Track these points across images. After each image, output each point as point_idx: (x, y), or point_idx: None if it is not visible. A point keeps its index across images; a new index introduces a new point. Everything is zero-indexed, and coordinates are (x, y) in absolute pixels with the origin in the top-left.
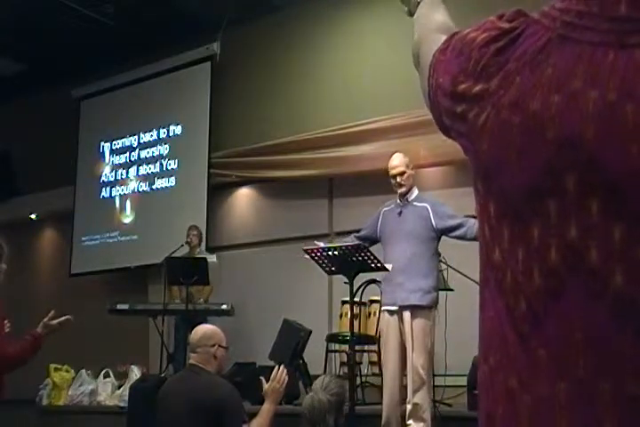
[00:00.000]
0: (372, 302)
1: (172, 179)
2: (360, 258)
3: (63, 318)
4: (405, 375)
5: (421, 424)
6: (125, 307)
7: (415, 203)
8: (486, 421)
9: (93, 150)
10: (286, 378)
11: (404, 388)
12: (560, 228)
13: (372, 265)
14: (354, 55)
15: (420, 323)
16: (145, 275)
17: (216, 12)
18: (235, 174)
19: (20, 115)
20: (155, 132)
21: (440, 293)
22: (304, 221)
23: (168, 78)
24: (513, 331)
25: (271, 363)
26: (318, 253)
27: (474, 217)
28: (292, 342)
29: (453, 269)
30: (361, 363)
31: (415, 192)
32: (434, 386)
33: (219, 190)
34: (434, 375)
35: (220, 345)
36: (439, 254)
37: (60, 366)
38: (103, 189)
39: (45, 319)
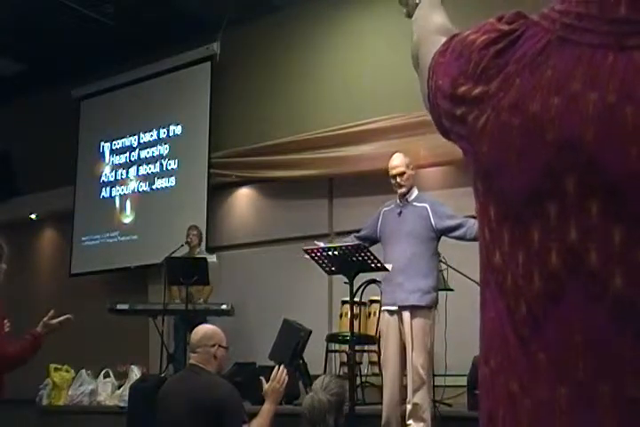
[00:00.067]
0: (372, 302)
1: (172, 179)
2: (360, 258)
3: (63, 318)
4: (405, 375)
5: (421, 424)
6: (125, 307)
7: (415, 203)
8: (488, 423)
9: (93, 150)
10: (286, 378)
11: (403, 388)
12: (560, 230)
13: (372, 265)
14: (354, 55)
15: (420, 323)
16: (145, 275)
17: (216, 12)
18: (235, 174)
19: (20, 115)
20: (155, 132)
21: (440, 293)
22: (304, 221)
23: (168, 78)
24: (513, 334)
25: (271, 363)
26: (318, 253)
27: (474, 217)
28: (292, 342)
29: (453, 269)
30: (361, 363)
31: (415, 192)
32: (434, 386)
33: (219, 190)
34: (434, 375)
35: (220, 345)
36: (439, 254)
37: (60, 366)
38: (103, 189)
39: (45, 319)
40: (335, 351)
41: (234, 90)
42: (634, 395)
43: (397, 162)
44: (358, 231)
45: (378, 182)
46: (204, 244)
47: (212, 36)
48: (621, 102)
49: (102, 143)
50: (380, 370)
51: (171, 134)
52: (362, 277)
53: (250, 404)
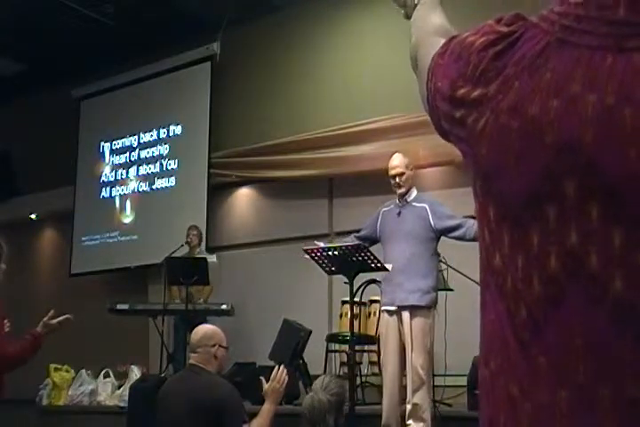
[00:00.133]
0: (372, 302)
1: (172, 179)
2: (360, 258)
3: (63, 318)
4: (405, 375)
5: (421, 424)
6: (125, 307)
7: (414, 203)
8: (488, 426)
9: (93, 150)
10: (286, 378)
11: (403, 388)
12: (559, 234)
13: (372, 265)
14: (354, 55)
15: (420, 323)
16: (145, 275)
17: (216, 12)
18: (235, 174)
19: (20, 115)
20: (155, 132)
21: (440, 293)
22: (304, 221)
23: (168, 78)
24: (513, 337)
25: (271, 363)
26: (318, 253)
27: (473, 218)
28: (292, 342)
29: (453, 269)
30: (361, 363)
31: (414, 193)
32: (434, 386)
33: (219, 190)
34: (434, 375)
35: (220, 345)
36: (438, 254)
37: (60, 366)
38: (103, 189)
39: (45, 319)
40: (335, 351)
41: (234, 90)
42: (634, 398)
43: (397, 162)
44: (358, 231)
45: (378, 182)
46: (204, 244)
47: (212, 36)
48: (620, 104)
49: (102, 143)
50: (380, 370)
51: (171, 134)
52: (362, 277)
53: (250, 404)
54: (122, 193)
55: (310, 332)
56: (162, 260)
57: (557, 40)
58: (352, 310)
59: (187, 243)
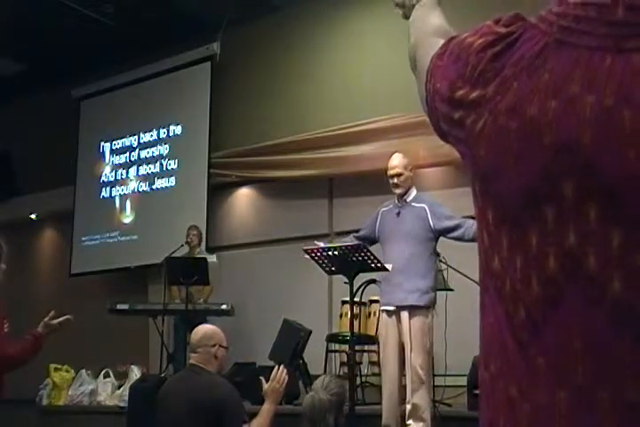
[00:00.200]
0: (372, 302)
1: (172, 179)
2: (360, 258)
3: (63, 318)
4: (405, 375)
5: (421, 424)
6: (125, 307)
7: (413, 203)
8: None
9: (93, 150)
10: (286, 378)
11: (403, 388)
12: (558, 234)
13: (372, 265)
14: (354, 55)
15: (418, 323)
16: (145, 275)
17: (216, 12)
18: (235, 174)
19: (20, 115)
20: (155, 132)
21: (440, 293)
22: (304, 221)
23: (168, 78)
24: (512, 338)
25: (271, 363)
26: (318, 253)
27: (472, 218)
28: (292, 342)
29: (453, 269)
30: (361, 363)
31: (413, 193)
32: (434, 386)
33: (219, 190)
34: (434, 375)
35: (220, 345)
36: (438, 255)
37: (60, 366)
38: (103, 189)
39: (46, 319)
40: (335, 351)
41: (234, 90)
42: (633, 399)
43: (395, 162)
44: (358, 231)
45: (378, 182)
46: (204, 244)
47: (212, 36)
48: (619, 105)
49: (102, 143)
50: (380, 370)
51: (171, 134)
52: (362, 277)
53: (250, 404)
54: (122, 193)
55: (310, 332)
56: (162, 260)
57: (556, 41)
58: (352, 310)
59: (187, 243)
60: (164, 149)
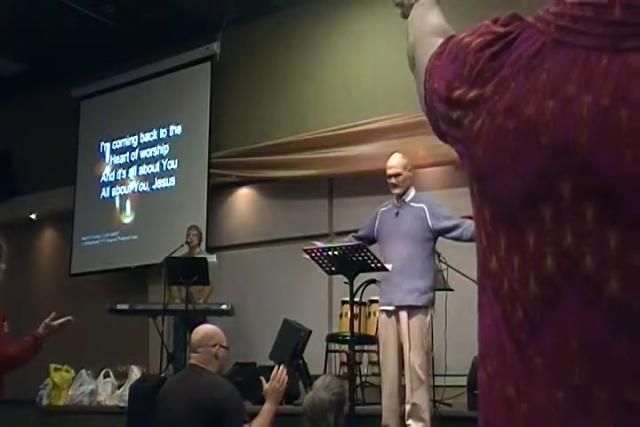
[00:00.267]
0: (372, 302)
1: (172, 179)
2: (360, 258)
3: (64, 319)
4: (404, 375)
5: (421, 424)
6: (125, 307)
7: (412, 203)
8: None
9: (93, 150)
10: (286, 378)
11: (403, 388)
12: (555, 234)
13: (372, 265)
14: (354, 55)
15: (417, 323)
16: (145, 275)
17: (216, 12)
18: (235, 174)
19: (20, 115)
20: (155, 132)
21: (440, 293)
22: (304, 221)
23: (168, 78)
24: (510, 339)
25: (271, 363)
26: (318, 253)
27: (471, 218)
28: (292, 342)
29: (453, 269)
30: (361, 363)
31: (412, 193)
32: (434, 386)
33: (219, 190)
34: (434, 375)
35: (220, 345)
36: (438, 255)
37: (60, 366)
38: (103, 189)
39: (47, 320)
40: (335, 351)
41: (234, 90)
42: (631, 399)
43: (394, 162)
44: (357, 231)
45: (378, 182)
46: (203, 244)
47: (212, 36)
48: (616, 105)
49: (102, 143)
50: (380, 370)
51: (171, 134)
52: (362, 277)
53: (250, 404)
54: (122, 193)
55: (310, 332)
56: (162, 260)
57: (553, 41)
58: (352, 310)
59: (187, 243)
60: (163, 149)
